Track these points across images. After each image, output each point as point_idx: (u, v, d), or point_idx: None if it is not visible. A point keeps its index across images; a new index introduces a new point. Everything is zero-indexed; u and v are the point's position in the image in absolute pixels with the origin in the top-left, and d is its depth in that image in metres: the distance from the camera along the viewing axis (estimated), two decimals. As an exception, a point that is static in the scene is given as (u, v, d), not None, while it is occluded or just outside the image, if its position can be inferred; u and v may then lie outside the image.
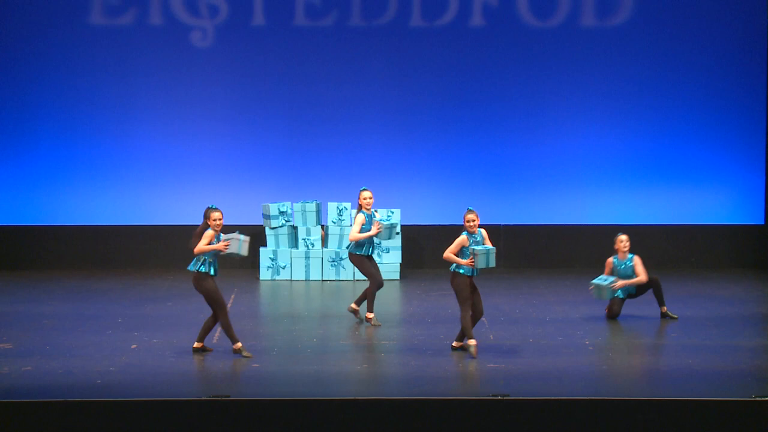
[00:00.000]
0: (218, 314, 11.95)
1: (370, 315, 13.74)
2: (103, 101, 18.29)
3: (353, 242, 13.73)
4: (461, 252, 11.97)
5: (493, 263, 11.95)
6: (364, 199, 13.76)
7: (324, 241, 17.52)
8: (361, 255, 13.77)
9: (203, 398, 9.94)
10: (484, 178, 18.47)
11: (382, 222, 13.63)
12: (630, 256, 14.09)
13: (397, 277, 17.50)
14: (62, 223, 18.39)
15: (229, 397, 9.94)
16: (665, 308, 14.12)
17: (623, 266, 14.05)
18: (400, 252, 17.60)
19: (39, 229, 18.39)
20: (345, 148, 18.30)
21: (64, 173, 18.32)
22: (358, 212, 13.76)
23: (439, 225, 18.07)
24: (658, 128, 18.54)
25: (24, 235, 18.37)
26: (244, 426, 9.75)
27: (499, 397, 9.87)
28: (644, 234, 18.37)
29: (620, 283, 13.85)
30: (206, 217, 11.94)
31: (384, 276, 17.49)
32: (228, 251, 11.88)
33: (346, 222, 17.39)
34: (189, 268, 11.99)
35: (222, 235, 11.99)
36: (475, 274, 11.99)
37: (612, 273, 14.06)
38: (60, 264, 18.31)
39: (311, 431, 9.80)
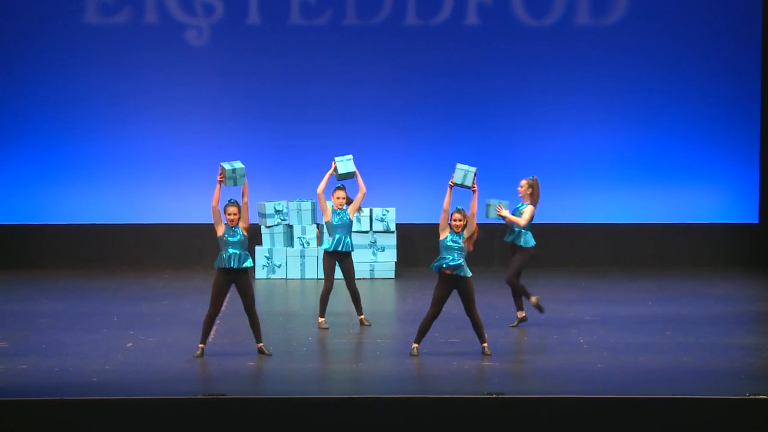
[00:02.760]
0: None
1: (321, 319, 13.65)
2: (98, 100, 18.30)
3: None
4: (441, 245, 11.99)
5: (468, 182, 12.57)
6: (337, 198, 13.85)
7: (319, 240, 17.53)
8: (327, 251, 13.75)
9: (199, 396, 9.94)
10: (478, 177, 18.44)
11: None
12: (526, 204, 13.48)
13: (392, 275, 17.52)
14: (57, 222, 18.38)
15: (224, 395, 9.95)
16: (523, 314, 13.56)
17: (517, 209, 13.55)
18: (395, 250, 17.61)
19: (34, 228, 18.39)
20: (340, 146, 18.24)
21: (58, 172, 18.32)
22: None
23: (434, 223, 17.95)
24: (652, 127, 18.56)
25: (19, 234, 18.37)
26: (240, 424, 9.76)
27: (495, 396, 9.88)
28: (638, 232, 18.44)
29: (506, 212, 13.51)
30: None
31: (379, 274, 17.60)
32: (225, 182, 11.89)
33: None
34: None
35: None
36: (443, 266, 11.94)
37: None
38: (55, 262, 18.30)
39: (307, 429, 9.81)
